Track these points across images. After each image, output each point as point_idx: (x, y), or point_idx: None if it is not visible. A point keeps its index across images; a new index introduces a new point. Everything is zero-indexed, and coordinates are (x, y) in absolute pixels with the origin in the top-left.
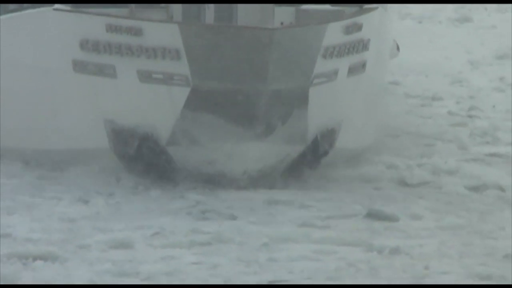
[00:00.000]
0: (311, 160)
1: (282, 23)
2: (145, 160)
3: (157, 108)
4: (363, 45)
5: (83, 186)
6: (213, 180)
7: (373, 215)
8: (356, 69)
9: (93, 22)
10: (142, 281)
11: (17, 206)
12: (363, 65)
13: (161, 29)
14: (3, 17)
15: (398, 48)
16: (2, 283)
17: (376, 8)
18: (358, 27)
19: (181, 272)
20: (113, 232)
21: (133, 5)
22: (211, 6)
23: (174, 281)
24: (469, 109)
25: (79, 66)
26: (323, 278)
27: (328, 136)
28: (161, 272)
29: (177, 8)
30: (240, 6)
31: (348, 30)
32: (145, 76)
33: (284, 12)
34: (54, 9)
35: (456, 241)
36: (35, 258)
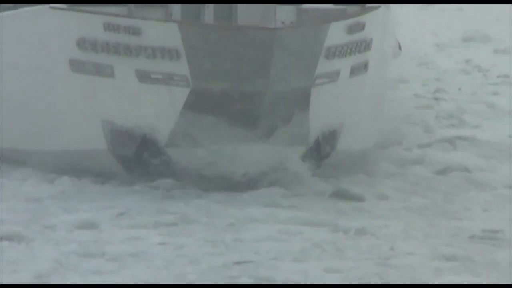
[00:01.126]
0: (313, 162)
1: (283, 23)
2: (143, 162)
3: (156, 109)
4: (366, 45)
5: (49, 168)
6: (213, 182)
7: (339, 195)
8: (358, 70)
9: (90, 21)
10: (107, 261)
11: None
12: (366, 65)
13: (160, 28)
14: None
15: (400, 47)
16: None
17: (379, 7)
18: (361, 27)
19: (146, 253)
20: (79, 212)
21: (132, 4)
22: (211, 5)
23: (140, 262)
24: (435, 92)
25: (76, 66)
26: (289, 259)
27: (330, 137)
28: (127, 252)
29: (176, 7)
30: (240, 5)
31: (351, 29)
32: (144, 76)
33: (285, 11)
34: (51, 7)
35: (421, 222)
36: (0, 239)
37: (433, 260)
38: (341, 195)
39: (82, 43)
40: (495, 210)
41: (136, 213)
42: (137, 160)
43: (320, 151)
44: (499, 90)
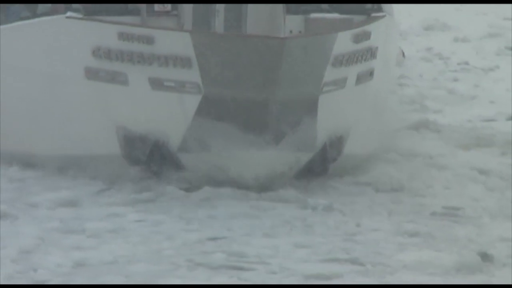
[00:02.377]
0: (320, 167)
1: (291, 32)
2: (156, 166)
3: (168, 115)
4: (371, 53)
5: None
6: (223, 186)
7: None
8: (364, 77)
9: (105, 30)
10: (88, 238)
11: None
12: (371, 73)
13: (172, 37)
14: (16, 24)
15: (403, 55)
16: None
17: (384, 16)
18: (367, 36)
19: (124, 229)
20: (60, 190)
21: (144, 14)
22: (221, 14)
23: (118, 238)
24: (398, 78)
25: (92, 73)
26: (260, 235)
27: (337, 143)
28: (106, 229)
29: (187, 16)
30: (250, 15)
31: (357, 38)
32: (157, 84)
33: (293, 21)
34: (67, 17)
35: (385, 199)
36: None
37: (397, 236)
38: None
39: (97, 52)
40: (455, 189)
41: (115, 191)
42: (149, 164)
43: (327, 156)
44: (459, 77)
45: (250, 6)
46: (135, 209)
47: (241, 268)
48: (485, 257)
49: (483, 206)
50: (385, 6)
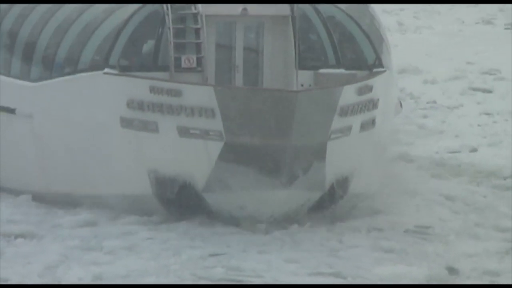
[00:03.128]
0: (328, 204)
1: (302, 85)
2: (184, 204)
3: (194, 160)
4: (373, 104)
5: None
6: (243, 223)
7: None
8: (367, 125)
9: (138, 85)
10: (105, 254)
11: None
12: (373, 122)
13: (198, 91)
14: (60, 79)
15: (401, 105)
16: None
17: (384, 71)
18: (369, 89)
19: (137, 246)
20: (81, 213)
21: (172, 69)
22: (240, 69)
23: (132, 254)
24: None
25: (126, 123)
26: (254, 251)
27: (343, 183)
28: (121, 246)
29: (210, 72)
30: (266, 70)
31: (361, 91)
32: (184, 132)
33: (304, 76)
34: (105, 73)
35: (365, 219)
36: (16, 236)
37: (374, 251)
38: None
39: (131, 104)
40: (425, 211)
41: (128, 214)
42: (177, 202)
43: (335, 195)
44: (428, 114)
45: (266, 62)
46: (147, 228)
47: (239, 281)
48: (451, 270)
49: (449, 226)
50: (385, 61)
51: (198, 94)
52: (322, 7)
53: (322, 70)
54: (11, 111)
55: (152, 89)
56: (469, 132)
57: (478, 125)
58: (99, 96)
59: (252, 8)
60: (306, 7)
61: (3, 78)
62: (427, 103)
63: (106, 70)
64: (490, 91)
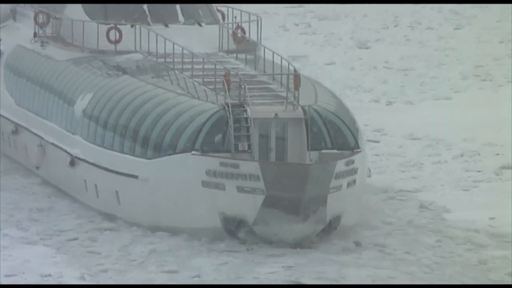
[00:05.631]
0: (327, 233)
1: (311, 160)
2: (240, 234)
3: (247, 206)
4: (354, 171)
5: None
6: (277, 244)
7: None
8: (351, 184)
9: (212, 161)
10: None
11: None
12: (354, 182)
13: (249, 164)
14: (165, 158)
15: (370, 171)
16: None
17: (360, 151)
18: (352, 162)
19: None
20: (180, 237)
21: (233, 151)
22: (273, 151)
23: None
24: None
25: (205, 184)
26: (293, 255)
27: (337, 219)
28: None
29: (256, 152)
30: (290, 150)
31: (347, 164)
32: (240, 189)
33: (312, 154)
34: (192, 154)
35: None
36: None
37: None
38: None
39: (208, 172)
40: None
41: (208, 240)
42: (237, 233)
43: (331, 227)
44: None
45: (289, 146)
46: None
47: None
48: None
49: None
50: (360, 143)
51: (249, 167)
52: (322, 111)
53: (323, 151)
54: (135, 177)
55: (221, 164)
56: None
57: None
58: (189, 168)
59: (281, 113)
60: (313, 112)
61: (130, 157)
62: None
63: (193, 152)
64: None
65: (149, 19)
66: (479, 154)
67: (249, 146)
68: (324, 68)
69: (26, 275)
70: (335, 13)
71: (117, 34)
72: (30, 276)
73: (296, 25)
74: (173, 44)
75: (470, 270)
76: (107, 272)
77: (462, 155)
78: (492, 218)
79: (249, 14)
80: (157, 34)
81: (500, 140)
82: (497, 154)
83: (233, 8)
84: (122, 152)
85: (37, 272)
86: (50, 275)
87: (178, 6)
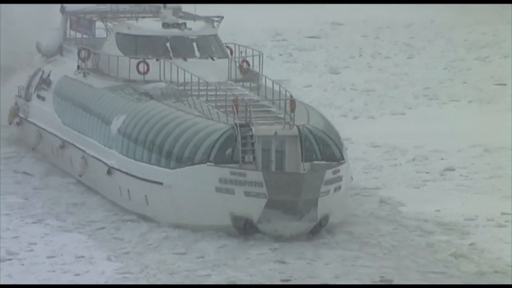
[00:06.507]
0: (318, 229)
1: (305, 170)
2: (247, 230)
3: (252, 207)
4: (340, 179)
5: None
6: (277, 238)
7: None
8: (337, 189)
9: (224, 171)
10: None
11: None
12: (340, 187)
13: (253, 173)
14: (186, 168)
15: (352, 179)
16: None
17: (344, 162)
18: (338, 171)
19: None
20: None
21: (241, 162)
22: (273, 163)
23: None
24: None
25: (218, 190)
26: (286, 248)
27: (326, 218)
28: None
29: (259, 163)
30: (288, 162)
31: (334, 172)
32: (247, 194)
33: (306, 165)
34: (207, 165)
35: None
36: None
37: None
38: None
39: (220, 180)
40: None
41: (220, 235)
42: (245, 230)
43: (321, 224)
44: None
45: (287, 158)
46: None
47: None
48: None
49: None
50: (344, 156)
51: (254, 175)
52: (313, 129)
53: (314, 162)
54: (160, 183)
55: (231, 173)
56: None
57: None
58: (205, 176)
59: (279, 132)
60: (306, 130)
61: (156, 167)
62: None
63: (208, 163)
64: None
65: (171, 54)
66: (427, 159)
67: (254, 158)
68: (302, 89)
69: (64, 256)
70: (311, 45)
71: (145, 66)
72: (67, 257)
73: (280, 55)
74: (191, 75)
75: (420, 251)
76: (129, 254)
77: (413, 159)
78: (438, 210)
79: (252, 50)
80: (177, 67)
81: (444, 147)
82: (442, 159)
83: (239, 45)
84: (150, 163)
85: (73, 254)
86: (83, 257)
87: (194, 43)
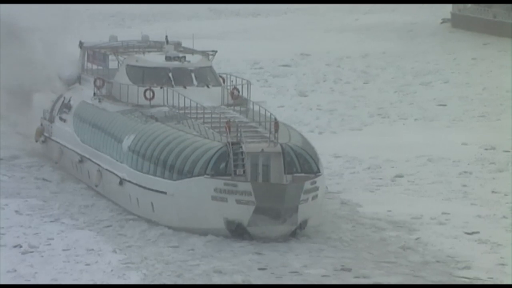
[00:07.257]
0: (297, 231)
1: (287, 181)
2: (238, 232)
3: (243, 213)
4: (316, 189)
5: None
6: (263, 240)
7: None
8: (314, 198)
9: (218, 182)
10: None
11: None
12: (317, 196)
13: (244, 184)
14: (186, 179)
15: (327, 188)
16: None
17: (321, 174)
18: (315, 182)
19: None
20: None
21: (233, 175)
22: (260, 175)
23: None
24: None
25: (213, 198)
26: (268, 249)
27: (305, 222)
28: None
29: (248, 175)
30: (272, 174)
31: (312, 183)
32: (238, 201)
33: (288, 177)
34: (205, 177)
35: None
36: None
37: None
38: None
39: (215, 189)
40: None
41: (215, 237)
42: (236, 232)
43: (301, 227)
44: None
45: (272, 172)
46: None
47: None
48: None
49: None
50: (320, 169)
51: (244, 186)
52: (294, 147)
53: (295, 174)
54: (164, 192)
55: (225, 184)
56: None
57: None
58: (202, 187)
59: (265, 149)
60: (287, 148)
61: (161, 179)
62: None
63: (205, 175)
64: None
65: (173, 83)
66: (380, 167)
67: (244, 171)
68: (276, 109)
69: (77, 249)
70: (284, 72)
71: (151, 93)
72: (79, 250)
73: (258, 80)
74: (190, 100)
75: (375, 244)
76: (131, 247)
77: (369, 168)
78: (390, 210)
79: (242, 79)
80: (178, 94)
81: (394, 157)
82: (393, 167)
83: (230, 75)
84: (155, 175)
85: (84, 248)
86: (93, 250)
87: (193, 74)
